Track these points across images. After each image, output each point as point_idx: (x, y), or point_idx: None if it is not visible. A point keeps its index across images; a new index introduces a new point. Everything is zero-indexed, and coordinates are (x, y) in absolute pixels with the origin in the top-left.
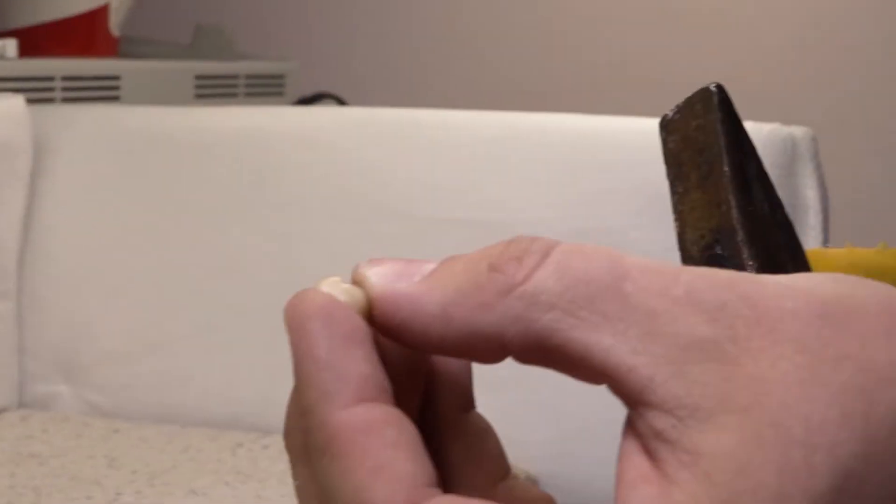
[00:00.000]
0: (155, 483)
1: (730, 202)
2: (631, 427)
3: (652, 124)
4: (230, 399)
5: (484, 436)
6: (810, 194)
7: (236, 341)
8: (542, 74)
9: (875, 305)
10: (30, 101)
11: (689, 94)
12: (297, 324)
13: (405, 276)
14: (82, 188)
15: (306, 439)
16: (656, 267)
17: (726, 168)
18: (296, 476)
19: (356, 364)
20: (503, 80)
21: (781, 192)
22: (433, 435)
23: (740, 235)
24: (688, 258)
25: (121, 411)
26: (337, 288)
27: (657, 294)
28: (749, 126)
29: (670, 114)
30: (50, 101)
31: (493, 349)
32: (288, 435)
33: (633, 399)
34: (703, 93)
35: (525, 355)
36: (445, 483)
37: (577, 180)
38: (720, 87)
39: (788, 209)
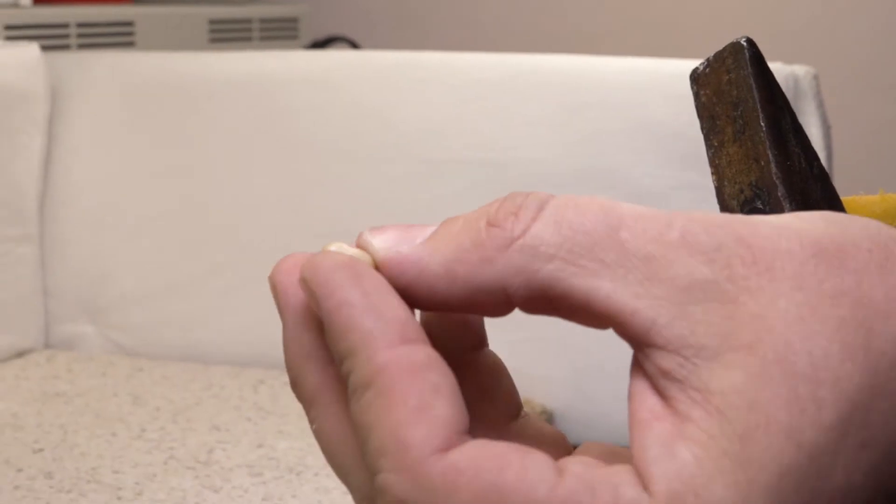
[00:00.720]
0: (178, 419)
1: (768, 157)
2: (638, 367)
3: (652, 64)
4: (251, 337)
5: (496, 374)
6: (813, 132)
7: (254, 280)
8: (554, 16)
9: (866, 241)
10: (45, 49)
11: (694, 36)
12: (322, 278)
13: (407, 240)
14: (99, 133)
15: (345, 379)
16: (650, 213)
17: (762, 123)
18: (312, 419)
19: (395, 307)
20: (516, 21)
21: None
22: None
23: (781, 190)
24: (727, 211)
25: (144, 350)
26: (345, 251)
27: (653, 239)
28: None
29: (700, 67)
30: (65, 48)
31: (497, 302)
32: (296, 384)
33: (639, 340)
34: (734, 46)
35: (530, 306)
36: None
37: (578, 120)
38: (750, 41)
39: None
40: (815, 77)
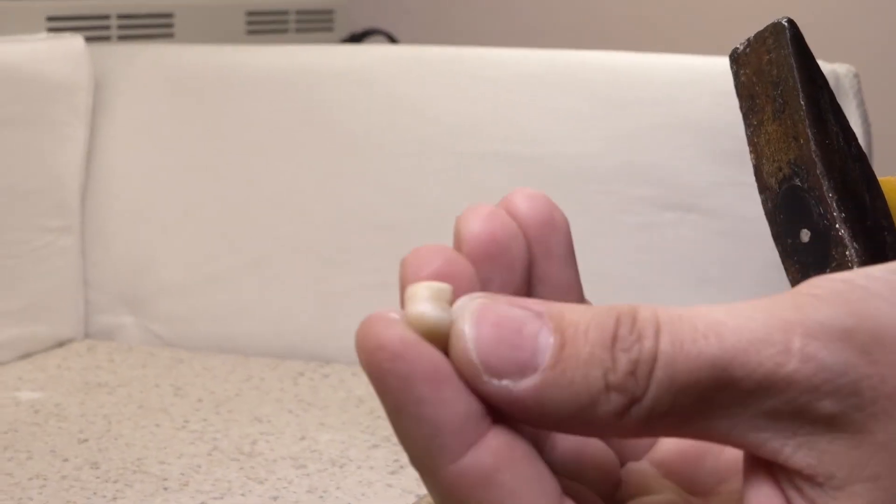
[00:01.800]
0: (220, 411)
1: (807, 135)
2: (764, 463)
3: (693, 61)
4: (289, 330)
5: None
6: (854, 130)
7: (293, 273)
8: (595, 11)
9: None
10: (86, 40)
11: (734, 33)
12: (375, 374)
13: (513, 364)
14: (141, 125)
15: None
16: (764, 335)
17: (802, 102)
18: None
19: (451, 409)
20: (554, 16)
21: None
22: None
23: (819, 168)
24: (765, 189)
25: (183, 342)
26: (428, 312)
27: (770, 373)
28: None
29: (741, 47)
30: (106, 39)
31: (602, 439)
32: None
33: (765, 463)
34: (775, 27)
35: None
36: None
37: (619, 116)
38: (791, 22)
39: None
40: (857, 76)
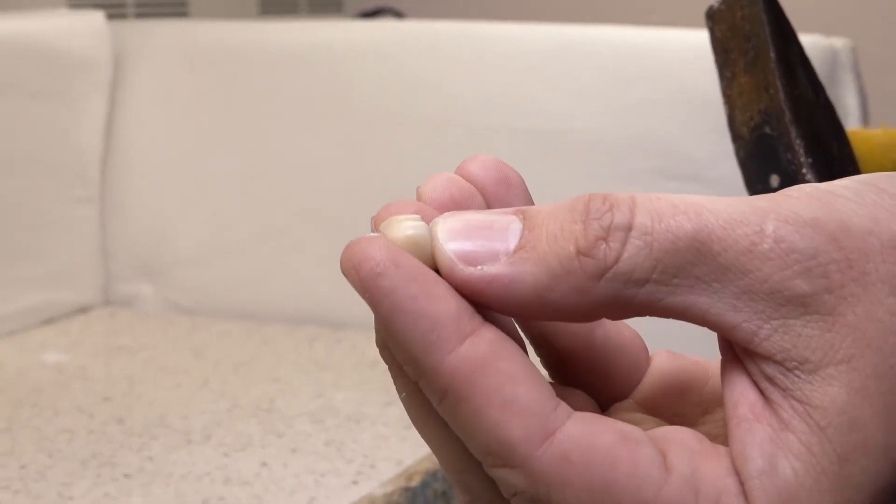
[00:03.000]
0: (239, 372)
1: (777, 86)
2: (736, 358)
3: (699, 36)
4: (303, 297)
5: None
6: (850, 103)
7: (307, 242)
8: None
9: None
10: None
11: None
12: (367, 284)
13: (485, 250)
14: (160, 99)
15: (416, 384)
16: (739, 217)
17: (773, 54)
18: (400, 389)
19: (444, 303)
20: None
21: None
22: None
23: (788, 116)
24: (738, 138)
25: (200, 309)
26: (407, 230)
27: (746, 251)
28: None
29: (716, 4)
30: (122, 16)
31: (587, 321)
32: (384, 348)
33: (740, 348)
34: None
35: (622, 319)
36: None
37: (626, 90)
38: None
39: None
40: (853, 50)
